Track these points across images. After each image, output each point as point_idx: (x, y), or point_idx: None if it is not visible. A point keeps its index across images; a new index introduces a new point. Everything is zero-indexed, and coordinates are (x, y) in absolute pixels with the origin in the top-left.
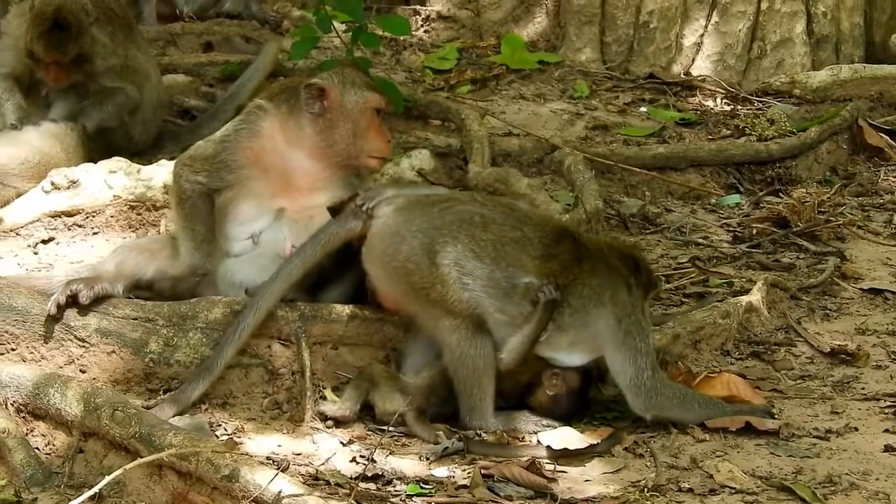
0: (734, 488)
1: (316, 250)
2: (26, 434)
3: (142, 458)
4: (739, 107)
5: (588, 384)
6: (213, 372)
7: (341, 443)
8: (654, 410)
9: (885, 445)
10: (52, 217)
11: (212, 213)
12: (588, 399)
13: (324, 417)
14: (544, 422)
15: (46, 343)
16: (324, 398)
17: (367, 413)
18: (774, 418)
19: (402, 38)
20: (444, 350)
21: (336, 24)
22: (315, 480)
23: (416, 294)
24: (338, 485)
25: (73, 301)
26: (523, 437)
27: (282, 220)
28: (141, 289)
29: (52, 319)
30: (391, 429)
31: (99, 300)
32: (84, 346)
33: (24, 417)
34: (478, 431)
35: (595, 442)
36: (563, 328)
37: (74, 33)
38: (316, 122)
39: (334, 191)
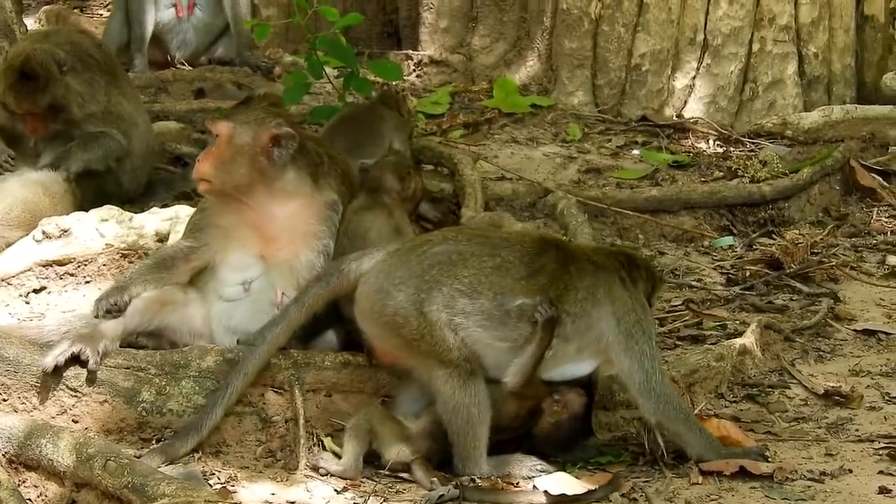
0: None
1: (300, 312)
2: (19, 485)
3: None
4: (732, 148)
5: (590, 410)
6: (200, 432)
7: (335, 490)
8: (662, 416)
9: (879, 487)
10: (44, 266)
11: (173, 269)
12: (591, 425)
13: (326, 474)
14: (539, 466)
15: (38, 393)
16: (321, 446)
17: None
18: (768, 460)
19: (394, 82)
20: (438, 400)
21: (328, 69)
22: None
23: (409, 346)
24: None
25: (74, 362)
26: (518, 483)
27: (271, 269)
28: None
29: (44, 371)
30: (386, 472)
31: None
32: (76, 396)
33: (16, 468)
34: (472, 478)
35: (592, 487)
36: (567, 338)
37: (42, 84)
38: None
39: (308, 240)
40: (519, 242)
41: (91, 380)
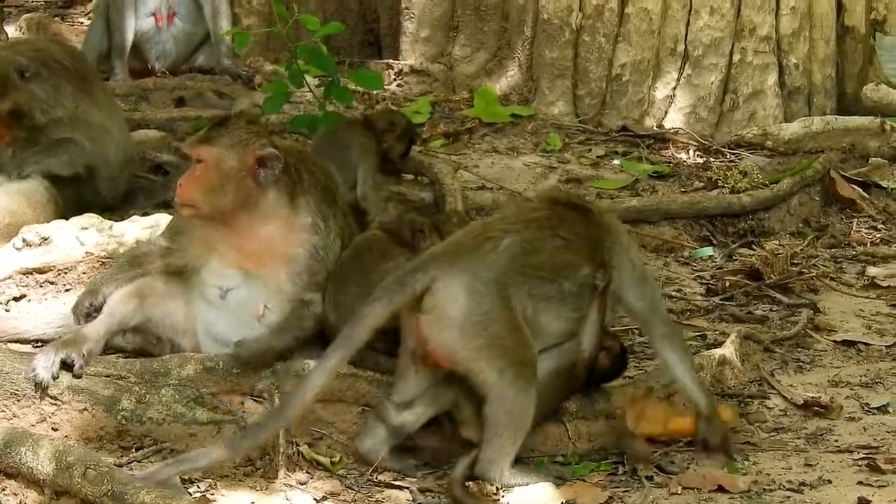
0: None
1: (363, 332)
2: None
3: None
4: (712, 159)
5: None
6: (243, 447)
7: (315, 499)
8: (668, 337)
9: (858, 498)
10: (24, 274)
11: (147, 266)
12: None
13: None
14: (555, 474)
15: (18, 401)
16: (300, 455)
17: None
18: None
19: (374, 92)
20: (495, 400)
21: (308, 78)
22: None
23: (489, 347)
24: None
25: (63, 367)
26: (497, 492)
27: (252, 280)
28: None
29: (41, 387)
30: (366, 481)
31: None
32: (56, 404)
33: None
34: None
35: (562, 501)
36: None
37: (1, 89)
38: None
39: (288, 260)
40: (557, 216)
41: (71, 388)
